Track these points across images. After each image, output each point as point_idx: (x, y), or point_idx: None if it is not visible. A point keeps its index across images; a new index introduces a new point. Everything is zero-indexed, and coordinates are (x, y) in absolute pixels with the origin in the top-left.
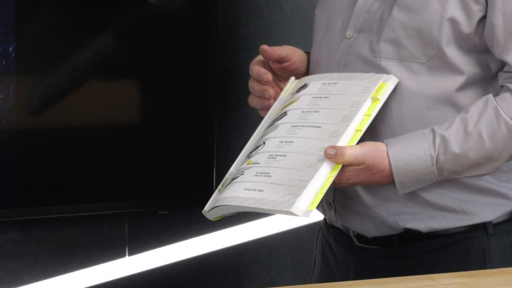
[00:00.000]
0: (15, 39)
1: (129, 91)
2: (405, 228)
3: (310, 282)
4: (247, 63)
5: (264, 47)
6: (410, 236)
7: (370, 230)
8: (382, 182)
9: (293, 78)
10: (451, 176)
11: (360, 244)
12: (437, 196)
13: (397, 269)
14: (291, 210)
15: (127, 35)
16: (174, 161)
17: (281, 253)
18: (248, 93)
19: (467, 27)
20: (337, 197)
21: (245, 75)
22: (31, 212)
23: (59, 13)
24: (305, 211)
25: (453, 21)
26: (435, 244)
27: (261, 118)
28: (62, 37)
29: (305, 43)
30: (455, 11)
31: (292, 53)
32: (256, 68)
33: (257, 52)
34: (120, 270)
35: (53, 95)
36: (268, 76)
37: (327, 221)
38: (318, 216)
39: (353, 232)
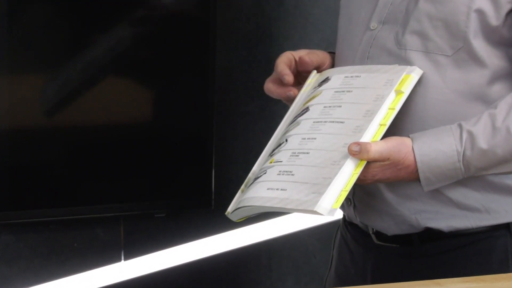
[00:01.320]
0: (8, 38)
1: (125, 90)
2: (426, 227)
3: (326, 282)
4: (247, 61)
5: (305, 58)
6: (430, 234)
7: (390, 228)
8: (408, 178)
9: (314, 71)
10: (478, 172)
11: (379, 242)
12: (460, 195)
13: (416, 268)
14: (315, 209)
15: (123, 33)
16: (171, 162)
17: (282, 257)
18: (247, 92)
19: (495, 19)
20: (357, 193)
21: (245, 74)
22: (23, 215)
23: (53, 12)
24: (330, 210)
25: (480, 13)
26: (456, 243)
27: (262, 118)
28: (57, 37)
29: (306, 40)
30: (482, 2)
31: (324, 59)
32: (282, 66)
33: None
34: (115, 275)
35: (47, 96)
36: (289, 78)
37: (346, 217)
38: (320, 220)
39: (372, 229)
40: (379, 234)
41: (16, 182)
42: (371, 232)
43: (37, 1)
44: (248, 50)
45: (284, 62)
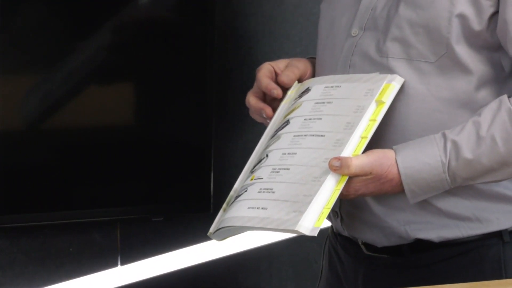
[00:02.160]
0: None
1: (122, 91)
2: (416, 239)
3: None
4: (247, 62)
5: (283, 79)
6: (421, 245)
7: (379, 240)
8: (393, 191)
9: (295, 81)
10: (465, 182)
11: (369, 253)
12: (450, 204)
13: (408, 279)
14: (296, 229)
15: (118, 32)
16: (169, 165)
17: (282, 263)
18: (247, 93)
19: (477, 23)
20: (343, 205)
21: (244, 74)
22: (17, 219)
23: (48, 10)
24: (312, 229)
25: (462, 17)
26: (447, 253)
27: None
28: (52, 36)
29: (307, 40)
30: (464, 6)
31: (305, 70)
32: (266, 81)
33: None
34: (112, 281)
35: (43, 96)
36: (279, 91)
37: (334, 228)
38: (323, 224)
39: (361, 240)
40: (368, 245)
41: (10, 186)
42: (360, 243)
43: (30, 1)
44: (248, 50)
45: (267, 76)
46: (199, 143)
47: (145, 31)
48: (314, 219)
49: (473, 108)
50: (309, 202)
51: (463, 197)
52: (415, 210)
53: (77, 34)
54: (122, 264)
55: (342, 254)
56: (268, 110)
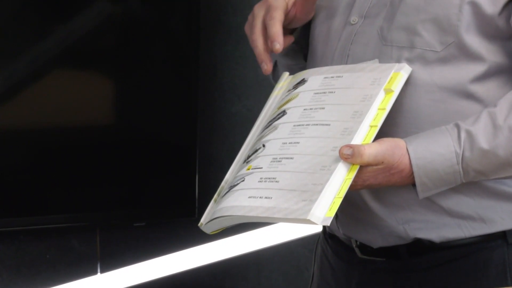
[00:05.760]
0: None
1: (102, 90)
2: (415, 238)
3: None
4: (233, 58)
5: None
6: (420, 246)
7: (376, 240)
8: (402, 183)
9: (287, 73)
10: (477, 177)
11: (364, 256)
12: (452, 201)
13: (406, 284)
14: (308, 218)
15: (100, 27)
16: (152, 168)
17: (272, 270)
18: (234, 91)
19: (490, 11)
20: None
21: (231, 71)
22: None
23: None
24: (324, 218)
25: (474, 5)
26: (448, 255)
27: (250, 119)
28: (20, 30)
29: None
30: None
31: (312, 10)
32: (277, 28)
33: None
34: None
35: (15, 95)
36: (279, 48)
37: (327, 229)
38: (313, 228)
39: (356, 242)
40: (363, 247)
41: None
42: (354, 246)
43: None
44: (234, 45)
45: (281, 21)
46: (183, 143)
47: (128, 27)
48: (325, 209)
49: (480, 99)
50: (320, 191)
51: (467, 194)
52: (416, 208)
53: (58, 29)
54: (102, 271)
55: (333, 259)
56: (269, 66)
